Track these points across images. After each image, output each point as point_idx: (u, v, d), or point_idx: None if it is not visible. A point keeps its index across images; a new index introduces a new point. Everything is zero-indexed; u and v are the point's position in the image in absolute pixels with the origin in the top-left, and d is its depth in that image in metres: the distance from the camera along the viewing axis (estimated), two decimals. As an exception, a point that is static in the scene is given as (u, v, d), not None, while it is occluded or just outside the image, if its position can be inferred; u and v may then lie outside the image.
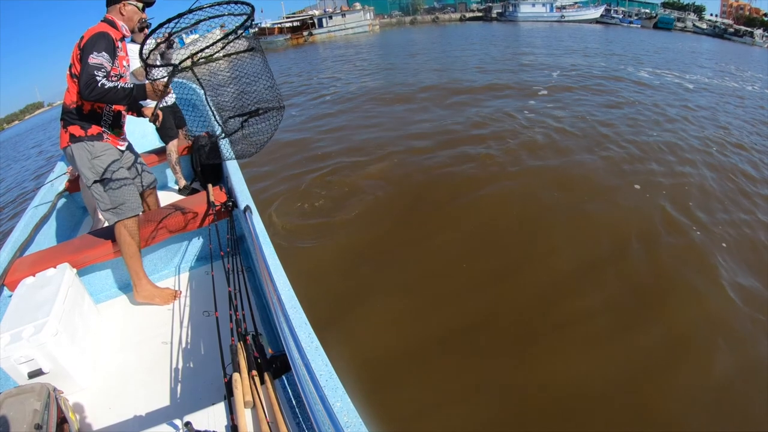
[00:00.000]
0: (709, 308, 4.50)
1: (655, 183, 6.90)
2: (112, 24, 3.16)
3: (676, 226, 5.76)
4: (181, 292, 3.51)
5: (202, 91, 2.70)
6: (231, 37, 2.51)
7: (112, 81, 2.86)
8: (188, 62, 2.54)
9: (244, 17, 2.51)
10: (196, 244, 3.90)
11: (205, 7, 2.51)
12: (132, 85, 2.89)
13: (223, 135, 2.80)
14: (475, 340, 3.98)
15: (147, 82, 2.87)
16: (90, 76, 2.76)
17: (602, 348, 3.95)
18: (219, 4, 2.54)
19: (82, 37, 2.99)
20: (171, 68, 2.57)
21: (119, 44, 3.17)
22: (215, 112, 2.77)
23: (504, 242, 5.45)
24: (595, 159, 7.69)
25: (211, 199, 3.64)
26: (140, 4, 3.34)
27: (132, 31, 4.85)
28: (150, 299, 3.39)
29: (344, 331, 4.09)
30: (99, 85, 2.76)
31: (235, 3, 2.55)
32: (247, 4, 2.56)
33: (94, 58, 2.83)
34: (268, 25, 58.82)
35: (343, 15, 61.60)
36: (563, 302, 4.47)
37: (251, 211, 3.08)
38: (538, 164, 7.43)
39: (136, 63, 4.74)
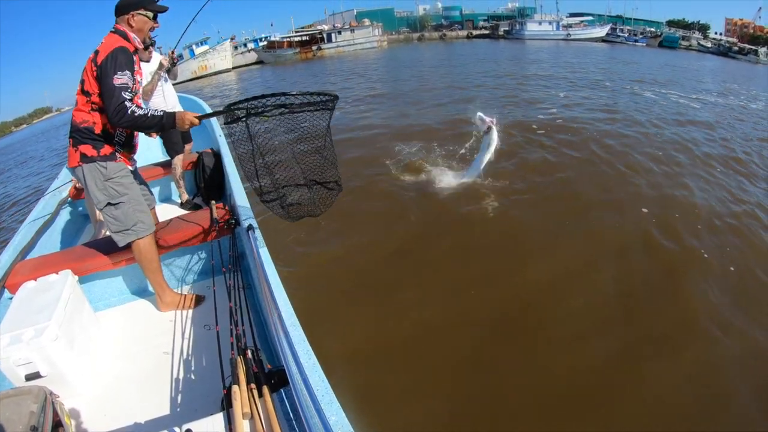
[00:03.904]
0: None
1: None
2: (125, 36, 3.03)
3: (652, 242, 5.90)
4: (204, 296, 3.56)
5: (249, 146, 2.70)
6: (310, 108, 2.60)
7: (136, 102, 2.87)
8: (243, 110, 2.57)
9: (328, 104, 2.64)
10: (198, 259, 3.94)
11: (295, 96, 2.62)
12: (162, 113, 2.84)
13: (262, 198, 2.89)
14: (471, 354, 4.05)
15: (179, 112, 2.91)
16: (119, 102, 2.72)
17: (576, 347, 4.13)
18: (309, 94, 2.64)
19: (97, 52, 2.87)
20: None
21: (135, 57, 3.09)
22: (258, 172, 2.79)
23: (486, 252, 5.62)
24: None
25: (215, 216, 3.67)
26: (150, 14, 3.16)
27: (143, 43, 4.93)
28: (174, 307, 3.46)
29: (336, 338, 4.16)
30: (129, 112, 2.72)
31: (319, 93, 2.65)
32: (332, 94, 2.68)
33: (119, 78, 2.76)
34: (278, 39, 59.28)
35: (352, 31, 62.10)
36: (542, 305, 4.70)
37: (254, 230, 3.10)
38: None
39: (143, 81, 4.83)
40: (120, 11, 3.08)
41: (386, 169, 8.17)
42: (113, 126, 2.96)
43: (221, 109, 2.68)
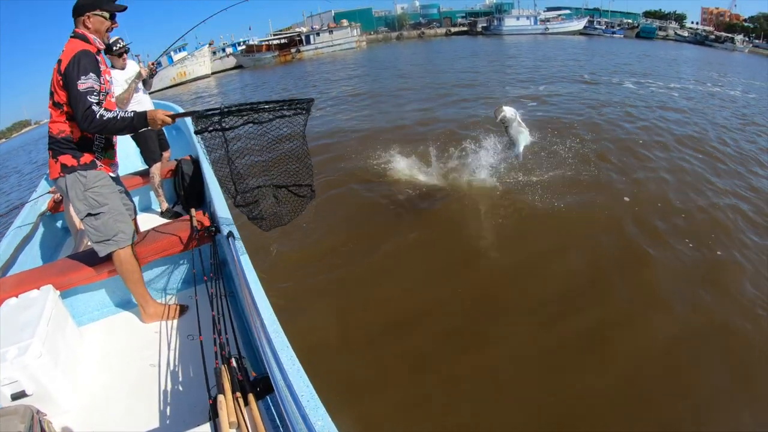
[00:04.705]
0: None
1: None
2: (84, 38, 2.97)
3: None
4: (188, 306, 3.54)
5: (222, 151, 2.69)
6: (285, 113, 2.61)
7: (104, 105, 2.83)
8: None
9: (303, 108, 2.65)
10: (180, 268, 3.91)
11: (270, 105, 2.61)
12: (132, 114, 2.80)
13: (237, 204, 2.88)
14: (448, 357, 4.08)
15: (150, 110, 2.85)
16: (86, 107, 2.69)
17: (544, 329, 4.29)
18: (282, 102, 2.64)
19: (60, 61, 2.82)
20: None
21: (98, 58, 3.01)
22: (233, 179, 2.78)
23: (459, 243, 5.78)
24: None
25: (195, 224, 3.65)
26: (107, 14, 3.06)
27: (108, 52, 4.87)
28: (158, 318, 3.43)
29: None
30: (98, 116, 2.69)
31: (294, 101, 2.65)
32: (308, 99, 2.67)
33: (83, 83, 2.72)
34: (256, 43, 58.91)
35: (331, 32, 61.88)
36: (510, 290, 4.87)
37: (234, 238, 3.10)
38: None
39: (118, 90, 4.74)
40: (76, 13, 3.01)
41: (363, 169, 8.24)
42: (89, 133, 2.94)
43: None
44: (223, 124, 2.53)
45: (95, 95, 2.76)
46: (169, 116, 2.83)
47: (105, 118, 2.71)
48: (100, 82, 2.89)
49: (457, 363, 3.89)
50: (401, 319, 4.41)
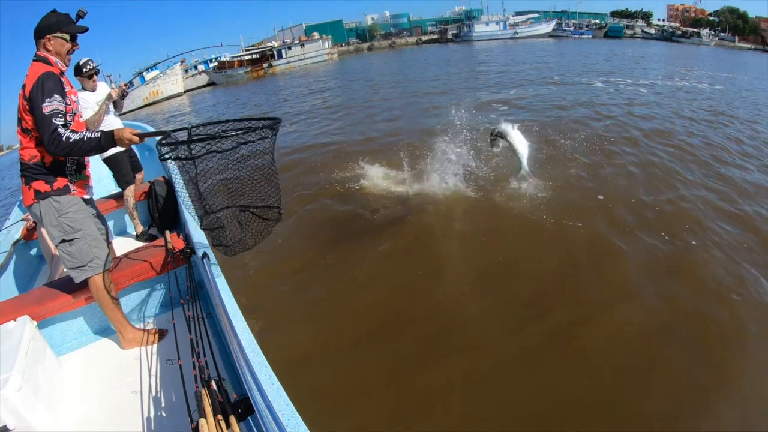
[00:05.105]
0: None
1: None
2: (46, 61, 2.95)
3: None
4: (167, 330, 3.52)
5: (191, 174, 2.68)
6: (251, 137, 2.57)
7: (71, 126, 2.82)
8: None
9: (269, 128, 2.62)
10: (157, 291, 3.89)
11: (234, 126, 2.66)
12: (99, 134, 2.77)
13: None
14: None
15: (117, 129, 2.82)
16: (51, 130, 2.65)
17: (514, 331, 4.36)
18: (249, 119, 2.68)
19: (24, 86, 2.81)
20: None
21: (63, 79, 2.99)
22: (202, 199, 2.79)
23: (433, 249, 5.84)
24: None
25: (170, 246, 3.63)
26: (67, 36, 3.04)
27: (78, 74, 4.86)
28: (138, 344, 3.40)
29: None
30: (64, 139, 2.66)
31: (262, 119, 2.67)
32: (274, 119, 2.66)
33: (48, 106, 2.70)
34: (228, 59, 58.63)
35: (302, 45, 61.88)
36: (476, 301, 4.85)
37: (209, 258, 3.10)
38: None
39: (89, 112, 4.72)
40: (37, 35, 3.00)
41: (336, 182, 8.22)
42: (56, 156, 2.92)
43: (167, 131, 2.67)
44: (183, 154, 2.54)
45: (61, 117, 2.74)
46: (136, 135, 2.81)
47: (72, 140, 2.69)
48: (66, 103, 2.88)
49: (435, 370, 3.93)
50: (378, 329, 4.44)
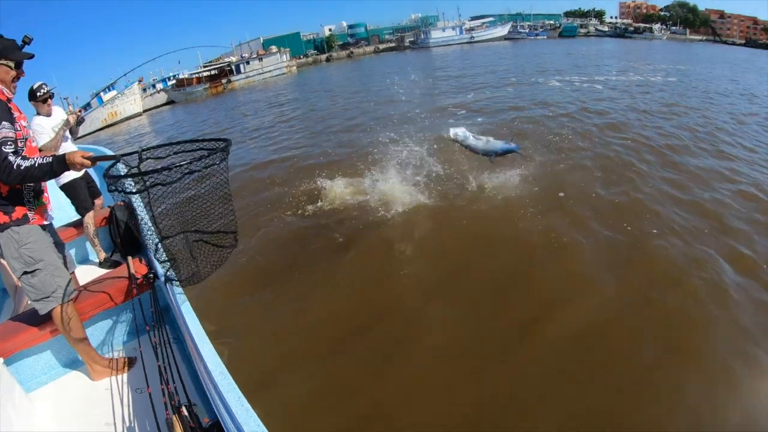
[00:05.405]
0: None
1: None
2: None
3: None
4: (136, 358, 3.44)
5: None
6: (200, 165, 2.53)
7: (23, 153, 2.74)
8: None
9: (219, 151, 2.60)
10: (123, 319, 3.81)
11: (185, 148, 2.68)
12: (51, 159, 2.70)
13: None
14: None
15: (68, 152, 2.74)
16: (2, 159, 2.58)
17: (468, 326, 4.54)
18: (197, 141, 2.69)
19: None
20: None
21: (10, 105, 2.91)
22: (156, 224, 2.78)
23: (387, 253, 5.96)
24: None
25: (132, 271, 3.58)
26: (12, 63, 2.98)
27: (32, 99, 4.78)
28: (108, 374, 3.34)
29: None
30: (15, 167, 2.59)
31: (213, 140, 2.67)
32: (225, 140, 2.65)
33: None
34: (186, 76, 57.84)
35: (260, 59, 61.42)
36: (434, 304, 4.96)
37: (172, 282, 3.07)
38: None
39: (45, 138, 4.64)
40: None
41: (296, 196, 8.22)
42: (9, 184, 2.86)
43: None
44: (127, 188, 2.54)
45: (11, 144, 2.67)
46: (87, 158, 2.75)
47: (23, 167, 2.63)
48: (15, 129, 2.82)
49: (399, 375, 4.01)
50: (342, 339, 4.49)
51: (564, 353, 4.08)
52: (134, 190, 2.53)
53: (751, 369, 3.85)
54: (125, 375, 3.38)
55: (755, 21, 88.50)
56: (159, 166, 2.48)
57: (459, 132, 7.33)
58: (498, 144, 7.29)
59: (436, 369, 4.03)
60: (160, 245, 2.92)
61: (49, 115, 4.87)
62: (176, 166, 2.45)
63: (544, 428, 3.44)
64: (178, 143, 2.72)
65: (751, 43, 78.65)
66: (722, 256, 5.42)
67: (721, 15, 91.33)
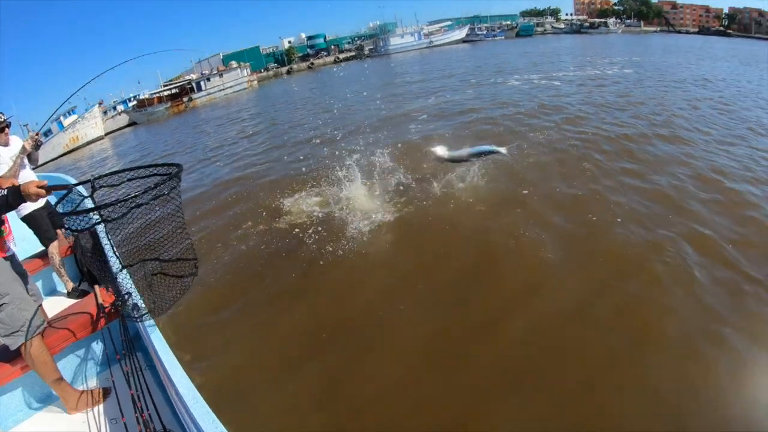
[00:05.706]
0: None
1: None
2: None
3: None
4: (110, 388, 3.39)
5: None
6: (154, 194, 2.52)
7: None
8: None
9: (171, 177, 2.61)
10: (94, 349, 3.75)
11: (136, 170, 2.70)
12: (5, 191, 2.63)
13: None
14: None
15: (23, 183, 2.69)
16: None
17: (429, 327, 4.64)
18: (149, 166, 2.70)
19: None
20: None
21: None
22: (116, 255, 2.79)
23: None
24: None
25: (100, 301, 3.52)
26: None
27: None
28: (84, 407, 3.28)
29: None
30: None
31: (163, 165, 2.69)
32: (176, 165, 2.68)
33: None
34: (147, 96, 57.09)
35: (221, 75, 60.94)
36: (397, 308, 5.03)
37: (140, 309, 3.05)
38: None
39: (3, 168, 4.55)
40: None
41: (263, 211, 8.24)
42: None
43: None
44: (72, 226, 2.54)
45: None
46: (42, 187, 2.66)
47: None
48: None
49: (370, 376, 4.11)
50: (311, 349, 4.55)
51: (529, 347, 4.19)
52: (80, 228, 2.53)
53: (719, 348, 3.97)
54: (101, 406, 3.31)
55: (707, 9, 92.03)
56: (104, 202, 2.48)
57: (438, 150, 7.57)
58: (478, 148, 7.47)
59: (405, 371, 4.11)
60: (122, 274, 2.91)
61: (6, 144, 4.75)
62: (122, 201, 2.44)
63: (510, 421, 3.52)
64: (130, 169, 2.73)
65: (704, 31, 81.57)
66: (684, 238, 5.62)
67: (674, 5, 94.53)
